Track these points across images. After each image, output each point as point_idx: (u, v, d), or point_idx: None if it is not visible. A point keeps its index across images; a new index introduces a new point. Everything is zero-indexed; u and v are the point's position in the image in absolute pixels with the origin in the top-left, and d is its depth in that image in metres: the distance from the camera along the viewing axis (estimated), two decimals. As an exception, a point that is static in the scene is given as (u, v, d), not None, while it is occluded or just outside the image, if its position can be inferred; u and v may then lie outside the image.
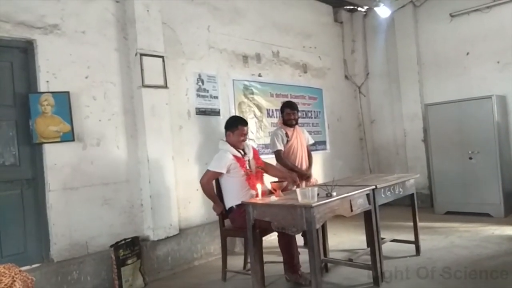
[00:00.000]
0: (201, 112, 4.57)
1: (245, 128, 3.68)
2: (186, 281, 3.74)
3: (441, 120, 5.65)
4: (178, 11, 4.43)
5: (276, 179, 3.47)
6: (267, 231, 3.20)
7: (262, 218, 2.93)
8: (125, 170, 3.86)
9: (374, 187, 3.23)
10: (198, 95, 4.56)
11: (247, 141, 3.79)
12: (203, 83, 4.61)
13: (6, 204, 3.24)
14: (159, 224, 3.91)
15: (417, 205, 3.91)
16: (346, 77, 6.93)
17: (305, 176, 4.34)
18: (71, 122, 3.49)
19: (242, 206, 3.20)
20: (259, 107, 5.28)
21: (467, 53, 5.93)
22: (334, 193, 2.85)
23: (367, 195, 3.19)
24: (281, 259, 3.43)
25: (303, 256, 3.11)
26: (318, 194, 2.73)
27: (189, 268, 4.08)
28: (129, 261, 3.52)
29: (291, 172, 4.17)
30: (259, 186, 3.11)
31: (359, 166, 6.92)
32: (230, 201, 3.56)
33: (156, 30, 4.03)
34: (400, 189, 3.65)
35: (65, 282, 3.29)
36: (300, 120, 5.78)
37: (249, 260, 3.36)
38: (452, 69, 6.07)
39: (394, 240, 4.02)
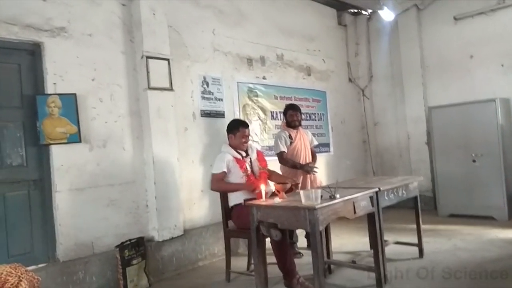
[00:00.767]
0: (206, 114, 4.61)
1: (246, 130, 3.72)
2: (190, 281, 3.77)
3: (444, 123, 5.65)
4: (184, 14, 4.47)
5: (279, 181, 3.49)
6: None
7: (265, 219, 2.96)
8: (131, 171, 3.90)
9: (377, 189, 3.25)
10: (203, 98, 4.60)
11: (250, 143, 3.82)
12: (208, 86, 4.66)
13: (13, 205, 3.28)
14: (164, 224, 3.94)
15: (420, 208, 3.92)
16: (350, 79, 6.96)
17: (308, 168, 4.35)
18: (78, 124, 3.53)
19: (245, 205, 3.21)
20: (263, 110, 5.31)
21: (471, 56, 5.93)
22: (338, 195, 2.86)
23: (371, 197, 3.20)
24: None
25: (307, 257, 3.13)
26: (321, 196, 2.75)
27: (193, 269, 4.11)
28: (134, 262, 3.56)
29: (292, 174, 4.20)
30: (263, 187, 3.13)
31: (362, 168, 6.93)
32: (233, 199, 3.60)
33: (162, 33, 4.08)
34: (404, 192, 3.66)
35: (71, 282, 3.32)
36: (304, 123, 5.81)
37: (252, 261, 3.38)
38: (456, 72, 6.07)
39: (397, 242, 4.02)
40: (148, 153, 3.95)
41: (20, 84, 3.38)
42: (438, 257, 3.83)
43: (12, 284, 2.12)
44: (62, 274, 3.29)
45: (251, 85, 5.19)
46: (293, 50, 5.84)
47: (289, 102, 5.43)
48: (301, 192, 2.81)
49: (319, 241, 2.72)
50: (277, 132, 4.89)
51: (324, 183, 4.88)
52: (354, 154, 6.83)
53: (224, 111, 4.80)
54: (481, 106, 5.36)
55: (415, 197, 3.88)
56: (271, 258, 3.30)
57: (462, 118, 5.49)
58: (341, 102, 6.67)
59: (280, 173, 4.31)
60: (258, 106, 5.27)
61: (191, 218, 4.32)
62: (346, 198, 2.92)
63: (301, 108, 4.69)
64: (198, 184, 4.45)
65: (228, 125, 3.82)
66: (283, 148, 4.36)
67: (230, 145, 3.71)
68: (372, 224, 3.27)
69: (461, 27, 6.02)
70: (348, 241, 4.68)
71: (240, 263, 3.94)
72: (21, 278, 2.16)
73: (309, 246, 4.38)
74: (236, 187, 3.56)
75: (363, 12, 6.83)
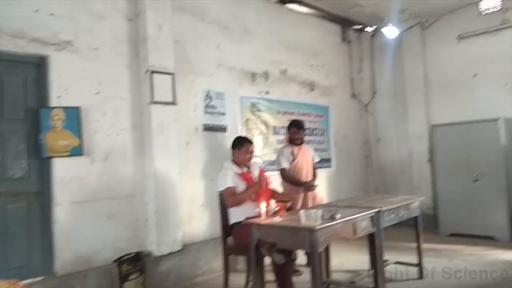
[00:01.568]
0: (208, 128, 4.62)
1: (251, 146, 3.72)
2: (188, 297, 3.75)
3: (447, 141, 5.65)
4: (189, 29, 4.51)
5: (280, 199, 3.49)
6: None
7: (265, 238, 2.94)
8: (132, 185, 3.90)
9: (378, 210, 3.23)
10: (206, 112, 4.62)
11: (253, 161, 3.82)
12: (211, 100, 4.68)
13: (13, 217, 3.29)
14: (163, 239, 3.93)
15: (421, 226, 3.90)
16: (352, 95, 6.97)
17: (309, 186, 4.36)
18: (80, 137, 3.55)
19: (245, 223, 3.20)
20: (265, 124, 5.32)
21: (475, 75, 5.95)
22: (338, 216, 2.85)
23: (371, 217, 3.19)
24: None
25: (306, 276, 3.10)
26: (322, 216, 2.74)
27: (192, 285, 4.08)
28: (132, 276, 3.54)
29: (293, 190, 4.20)
30: (263, 205, 3.12)
31: (364, 185, 6.91)
32: (234, 217, 3.58)
33: (167, 48, 4.11)
34: (405, 212, 3.65)
35: (68, 296, 3.31)
36: (306, 137, 5.80)
37: (251, 279, 3.36)
38: (459, 90, 6.08)
39: (398, 262, 4.00)
40: (149, 167, 3.96)
41: (25, 96, 3.41)
42: (438, 278, 3.80)
43: (9, 300, 2.12)
44: (60, 288, 3.28)
45: (254, 100, 5.21)
46: (297, 65, 5.87)
47: (292, 117, 5.44)
48: (302, 211, 2.80)
49: (318, 262, 2.71)
50: (279, 147, 4.89)
51: (325, 199, 4.88)
52: (356, 170, 6.82)
53: (226, 126, 4.81)
54: (484, 126, 5.36)
55: (416, 217, 3.86)
56: (270, 276, 3.28)
57: (464, 137, 5.49)
58: (343, 117, 6.68)
59: (282, 189, 4.30)
60: (261, 120, 5.28)
61: (190, 232, 4.30)
62: (346, 219, 2.91)
63: (303, 123, 4.70)
64: (198, 199, 4.45)
65: (233, 141, 3.82)
66: (285, 165, 4.36)
67: (234, 161, 3.71)
68: (372, 244, 3.26)
69: (464, 46, 6.04)
70: (348, 259, 4.64)
71: (238, 279, 3.90)
72: (18, 294, 2.17)
73: (309, 263, 4.36)
74: (250, 194, 3.48)
75: (367, 29, 6.88)
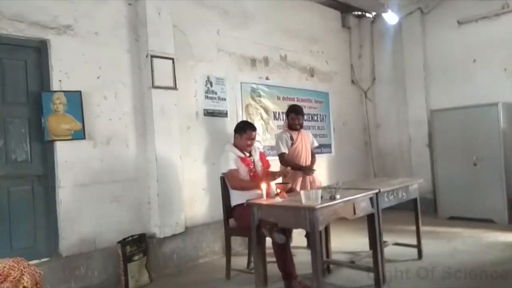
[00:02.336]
0: (209, 113, 4.65)
1: (253, 132, 3.76)
2: (191, 278, 3.81)
3: (446, 126, 5.68)
4: (189, 14, 4.51)
5: (280, 181, 3.53)
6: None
7: (266, 218, 2.99)
8: (134, 169, 3.94)
9: (377, 191, 3.27)
10: (206, 97, 4.64)
11: (254, 144, 3.86)
12: (211, 85, 4.69)
13: (17, 199, 3.33)
14: (166, 222, 3.98)
15: (420, 210, 3.95)
16: (352, 81, 6.98)
17: (309, 170, 4.41)
18: (82, 121, 3.57)
19: (247, 205, 3.24)
20: (266, 110, 5.34)
21: (474, 60, 5.95)
22: (338, 196, 2.89)
23: (371, 198, 3.24)
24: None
25: (307, 256, 3.15)
26: (322, 197, 2.77)
27: (194, 266, 4.15)
28: (136, 258, 3.60)
29: (292, 174, 4.26)
30: (264, 186, 3.16)
31: (363, 170, 6.95)
32: (236, 199, 3.63)
33: (167, 33, 4.12)
34: (404, 194, 3.69)
35: (73, 277, 3.37)
36: (306, 123, 5.83)
37: (252, 260, 3.41)
38: (459, 75, 6.09)
39: (397, 243, 4.05)
40: (151, 151, 3.99)
41: (26, 80, 3.43)
42: (437, 258, 3.85)
43: (14, 278, 2.15)
44: (64, 269, 3.34)
45: (254, 86, 5.22)
46: (297, 51, 5.87)
47: (292, 102, 5.46)
48: (302, 192, 2.84)
49: (318, 240, 2.76)
50: (279, 132, 4.92)
51: (323, 184, 4.91)
52: (356, 155, 6.86)
53: (227, 111, 4.84)
54: (483, 110, 5.38)
55: (415, 199, 3.90)
56: (270, 257, 3.34)
57: (464, 121, 5.51)
58: (343, 103, 6.70)
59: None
60: (261, 106, 5.30)
61: (192, 215, 4.36)
62: (346, 199, 2.95)
63: (303, 109, 4.72)
64: (200, 182, 4.49)
65: (236, 125, 3.86)
66: (284, 149, 4.39)
67: (235, 145, 3.75)
68: (372, 224, 3.31)
69: (464, 31, 6.03)
70: (347, 241, 4.70)
71: (240, 261, 3.98)
72: (23, 272, 2.19)
73: (309, 245, 4.41)
74: (255, 185, 3.45)
75: (367, 14, 6.86)
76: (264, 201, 3.06)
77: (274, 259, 3.31)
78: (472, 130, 5.43)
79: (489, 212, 5.28)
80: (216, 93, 4.74)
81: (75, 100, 3.55)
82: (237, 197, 3.60)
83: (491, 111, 5.29)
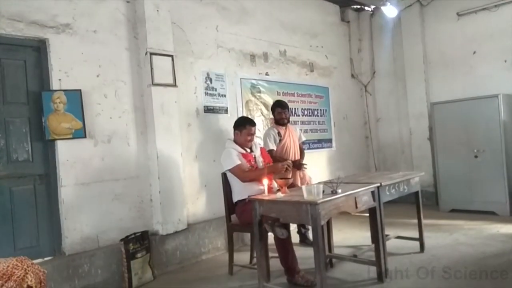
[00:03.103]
0: (209, 110, 4.65)
1: (253, 128, 3.75)
2: (194, 274, 3.83)
3: (447, 119, 5.67)
4: (187, 11, 4.50)
5: (282, 176, 3.53)
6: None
7: (268, 214, 3.00)
8: (135, 166, 3.95)
9: (379, 184, 3.28)
10: (206, 94, 4.64)
11: (255, 140, 3.86)
12: (211, 82, 4.69)
13: (19, 199, 3.34)
14: (168, 219, 3.99)
15: (422, 203, 3.94)
16: (352, 75, 6.97)
17: (298, 164, 4.40)
18: (83, 120, 3.58)
19: (249, 200, 3.25)
20: (266, 106, 5.33)
21: (474, 52, 5.94)
22: (339, 190, 2.89)
23: (372, 192, 3.24)
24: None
25: (309, 251, 3.16)
26: (323, 191, 2.78)
27: (197, 262, 4.17)
28: (139, 255, 3.61)
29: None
30: (265, 182, 3.17)
31: (364, 164, 6.96)
32: (237, 195, 3.63)
33: (166, 30, 4.11)
34: (405, 187, 3.69)
35: (76, 275, 3.38)
36: (306, 118, 5.85)
37: (255, 255, 3.42)
38: (459, 68, 6.08)
39: (399, 237, 4.06)
40: (152, 148, 4.00)
41: (25, 80, 3.43)
42: (439, 251, 3.86)
43: (18, 277, 2.16)
44: (68, 267, 3.35)
45: (254, 81, 5.22)
46: (296, 46, 5.86)
47: (292, 98, 5.47)
48: (303, 187, 2.85)
49: (320, 235, 2.76)
50: (266, 129, 4.87)
51: (324, 179, 4.92)
52: (356, 149, 6.86)
53: (227, 107, 4.84)
54: (484, 102, 5.37)
55: (417, 192, 3.90)
56: (273, 252, 3.35)
57: (464, 114, 5.51)
58: (343, 98, 6.69)
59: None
60: (261, 102, 5.30)
61: (194, 212, 4.37)
62: (348, 193, 2.95)
63: (304, 104, 4.71)
64: (201, 179, 4.50)
65: (236, 121, 3.85)
66: (272, 146, 4.38)
67: (235, 141, 3.75)
68: (374, 218, 3.31)
69: (464, 23, 6.02)
70: (349, 235, 4.72)
71: (242, 257, 3.99)
72: (27, 271, 2.20)
73: (301, 242, 4.44)
74: (264, 174, 3.40)
75: (366, 8, 6.84)
76: (266, 196, 3.07)
77: (276, 254, 3.32)
78: (473, 122, 5.42)
79: (491, 204, 5.29)
80: (216, 90, 4.74)
81: (75, 99, 3.55)
82: (239, 193, 3.60)
83: (492, 103, 5.28)
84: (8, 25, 3.28)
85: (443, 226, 4.85)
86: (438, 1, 6.24)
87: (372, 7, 6.77)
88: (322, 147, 6.09)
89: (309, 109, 5.95)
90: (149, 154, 4.02)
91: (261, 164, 3.75)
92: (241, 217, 3.60)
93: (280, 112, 4.52)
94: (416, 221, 3.94)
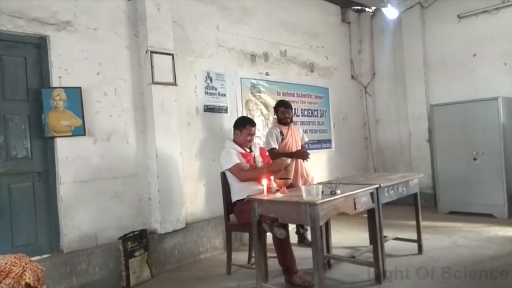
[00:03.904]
0: (209, 109, 4.64)
1: (253, 128, 3.75)
2: (192, 273, 3.82)
3: (446, 121, 5.67)
4: (188, 10, 4.50)
5: (281, 176, 3.53)
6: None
7: (267, 214, 3.00)
8: (134, 165, 3.94)
9: (378, 186, 3.28)
10: (206, 93, 4.63)
11: (254, 140, 3.86)
12: (211, 81, 4.69)
13: (18, 196, 3.33)
14: (167, 217, 3.99)
15: (420, 205, 3.94)
16: (352, 77, 6.98)
17: (302, 153, 4.35)
18: (82, 117, 3.57)
19: (247, 200, 3.25)
20: (266, 105, 5.34)
21: (474, 55, 5.94)
22: (338, 191, 2.90)
23: (371, 193, 3.24)
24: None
25: (307, 252, 3.16)
26: (322, 192, 2.78)
27: (195, 261, 4.17)
28: (137, 253, 3.61)
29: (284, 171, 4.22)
30: (265, 182, 3.16)
31: (363, 165, 6.97)
32: (236, 194, 3.63)
33: (166, 29, 4.11)
34: (404, 189, 3.70)
35: (74, 273, 3.37)
36: (305, 119, 5.85)
37: (253, 255, 3.42)
38: (459, 70, 6.09)
39: (397, 238, 4.06)
40: (151, 147, 4.00)
41: (25, 77, 3.42)
42: (437, 253, 3.87)
43: (16, 274, 2.16)
44: (66, 265, 3.34)
45: (254, 81, 5.22)
46: (296, 47, 5.86)
47: (292, 98, 5.47)
48: (302, 187, 2.85)
49: (319, 235, 2.76)
50: (269, 128, 4.87)
51: (324, 179, 4.92)
52: (356, 150, 6.87)
53: (227, 107, 4.83)
54: (483, 105, 5.37)
55: (415, 194, 3.91)
56: (271, 252, 3.35)
57: (464, 116, 5.51)
58: (343, 99, 6.69)
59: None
60: (261, 102, 5.30)
61: (193, 211, 4.37)
62: (347, 194, 2.95)
63: (303, 104, 4.71)
64: (200, 178, 4.50)
65: (236, 121, 3.85)
66: (274, 145, 4.37)
67: (235, 141, 3.75)
68: (372, 219, 3.31)
69: (464, 25, 6.02)
70: (348, 236, 4.72)
71: (240, 256, 3.99)
72: (25, 268, 2.20)
73: (299, 242, 4.44)
74: (263, 172, 3.42)
75: (367, 9, 6.84)
76: (265, 196, 3.06)
77: (274, 254, 3.32)
78: (472, 124, 5.43)
79: (489, 206, 5.30)
80: (216, 89, 4.74)
81: (75, 97, 3.54)
82: (238, 193, 3.60)
83: (491, 105, 5.29)
84: (9, 21, 3.27)
85: (441, 228, 4.85)
86: (438, 3, 6.24)
87: (373, 8, 6.77)
88: (321, 148, 6.10)
89: (309, 109, 5.95)
90: (149, 152, 4.02)
91: (260, 164, 3.75)
92: (239, 216, 3.60)
93: (283, 112, 4.52)
94: (414, 222, 3.94)
